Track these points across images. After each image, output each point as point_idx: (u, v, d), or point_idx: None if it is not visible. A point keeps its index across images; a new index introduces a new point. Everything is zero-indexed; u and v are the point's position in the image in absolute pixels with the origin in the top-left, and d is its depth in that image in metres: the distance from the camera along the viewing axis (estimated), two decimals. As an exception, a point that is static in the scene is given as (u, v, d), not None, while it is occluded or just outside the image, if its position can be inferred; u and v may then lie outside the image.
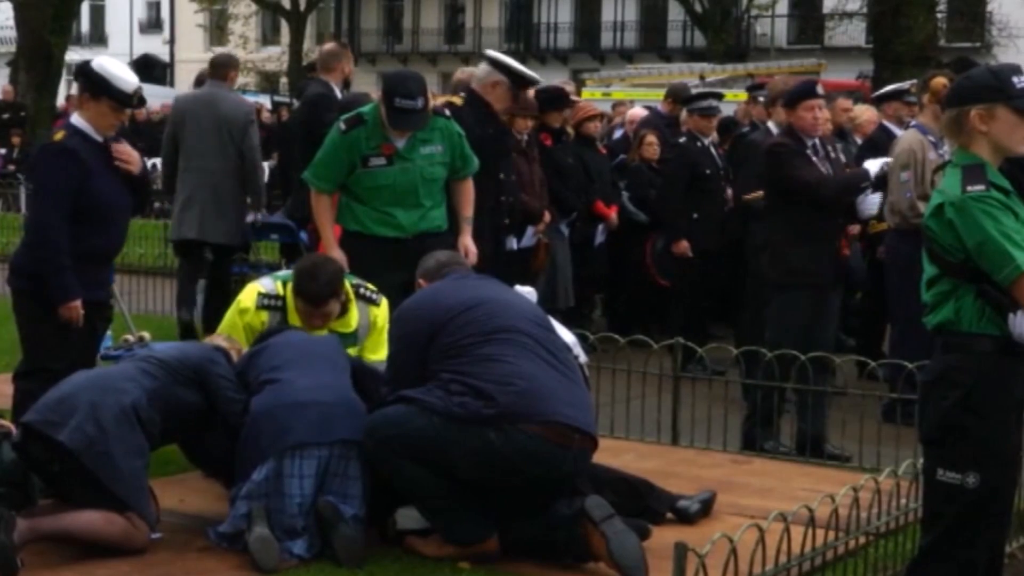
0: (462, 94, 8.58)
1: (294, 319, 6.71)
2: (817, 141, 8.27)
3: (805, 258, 8.12)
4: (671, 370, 8.32)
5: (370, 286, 6.99)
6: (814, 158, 8.20)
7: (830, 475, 7.32)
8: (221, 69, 10.92)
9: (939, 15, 26.30)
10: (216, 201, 10.46)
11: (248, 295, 6.88)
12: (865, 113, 11.20)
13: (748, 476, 7.39)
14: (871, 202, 8.55)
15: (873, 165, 8.57)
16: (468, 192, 8.08)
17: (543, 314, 6.26)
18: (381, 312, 6.91)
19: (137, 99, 6.84)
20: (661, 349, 8.28)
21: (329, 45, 10.87)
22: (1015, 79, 4.60)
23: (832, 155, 8.41)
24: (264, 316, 6.77)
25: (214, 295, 10.46)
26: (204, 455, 6.29)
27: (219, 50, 24.78)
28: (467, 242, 7.94)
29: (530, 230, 10.21)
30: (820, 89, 8.37)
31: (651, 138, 12.13)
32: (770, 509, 5.20)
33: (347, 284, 6.79)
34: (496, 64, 8.55)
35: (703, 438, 8.13)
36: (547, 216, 10.22)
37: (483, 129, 8.36)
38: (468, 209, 8.07)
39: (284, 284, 6.82)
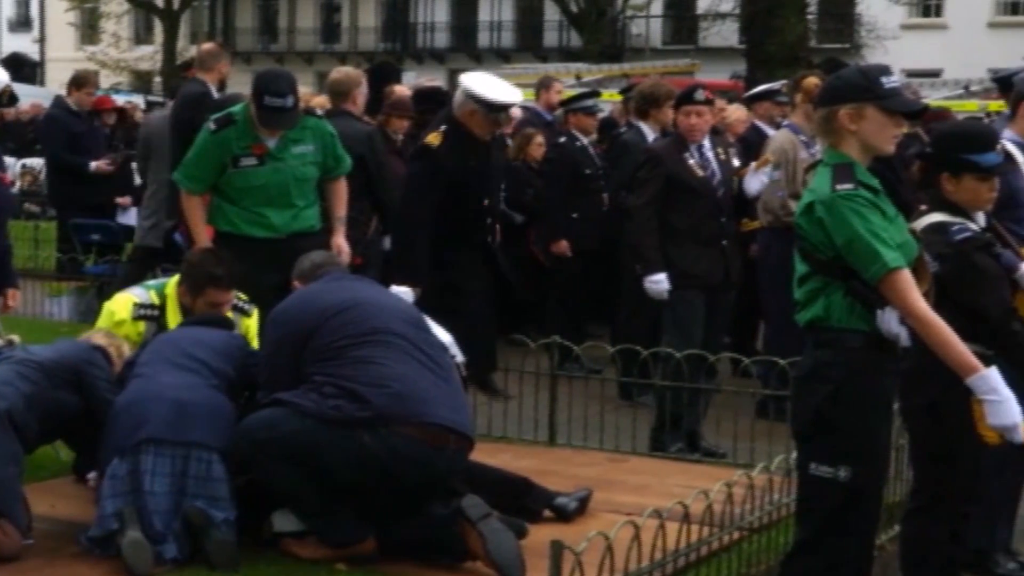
0: (443, 128, 8.35)
1: (173, 324, 6.64)
2: (704, 143, 8.36)
3: (692, 260, 8.20)
4: (548, 369, 8.34)
5: (242, 296, 6.93)
6: (690, 161, 8.28)
7: (705, 471, 7.38)
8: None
9: (810, 17, 26.70)
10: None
11: (122, 306, 6.78)
12: (736, 113, 11.31)
13: (624, 474, 7.43)
14: (758, 180, 8.67)
15: (755, 182, 8.70)
16: (341, 192, 8.05)
17: (419, 314, 6.24)
18: (253, 323, 6.86)
19: (7, 97, 6.71)
20: (538, 348, 8.29)
21: (208, 45, 10.83)
22: (884, 79, 4.68)
23: (722, 156, 8.50)
24: (141, 327, 6.70)
25: None
26: (91, 453, 6.19)
27: (91, 49, 24.42)
28: (340, 242, 7.90)
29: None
30: (702, 94, 8.41)
31: (540, 138, 12.12)
32: (646, 506, 5.23)
33: None
34: (469, 95, 8.34)
35: (580, 437, 8.16)
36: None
37: (466, 161, 8.26)
38: (341, 209, 8.04)
39: (157, 293, 6.75)
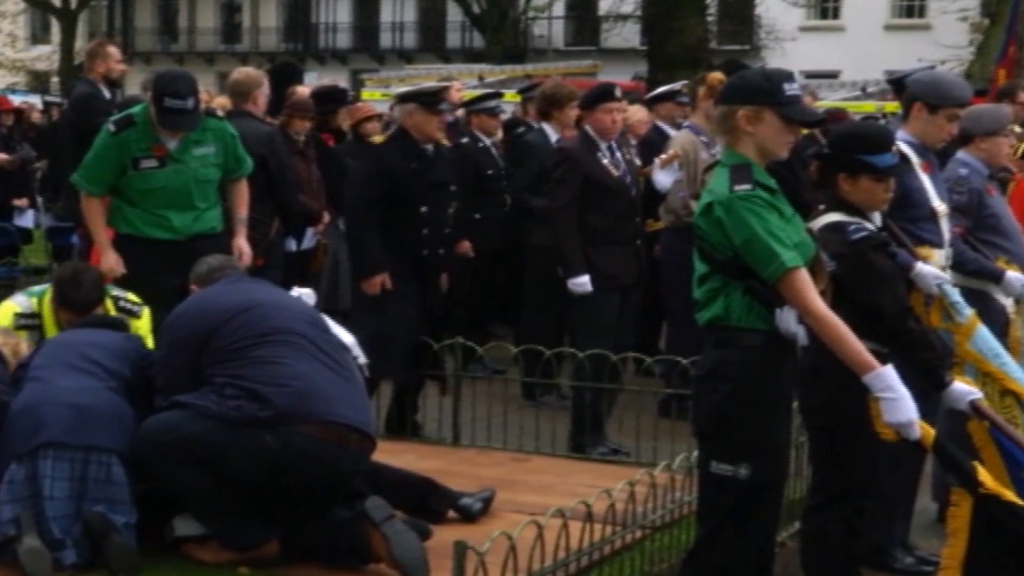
0: (392, 132, 8.52)
1: (51, 334, 6.55)
2: (613, 143, 8.41)
3: (610, 261, 8.23)
4: (452, 370, 8.34)
5: (131, 297, 6.87)
6: (604, 161, 8.33)
7: (608, 471, 7.42)
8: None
9: (709, 18, 26.87)
10: None
11: (2, 316, 6.70)
12: (637, 114, 11.36)
13: (528, 474, 7.45)
14: (667, 175, 8.74)
15: (665, 177, 8.75)
16: (242, 193, 8.02)
17: (319, 315, 6.22)
18: (143, 324, 6.79)
19: None
20: (442, 349, 8.29)
21: (90, 44, 10.72)
22: (786, 85, 4.72)
23: (627, 156, 8.55)
24: (23, 336, 6.59)
25: None
26: None
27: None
28: (241, 243, 7.87)
29: (309, 231, 10.14)
30: (619, 92, 8.51)
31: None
32: (549, 505, 5.24)
33: (106, 297, 6.66)
34: (404, 96, 8.50)
35: (484, 437, 8.17)
36: (326, 217, 10.16)
37: (407, 163, 8.27)
38: (243, 210, 8.01)
39: (39, 300, 6.67)
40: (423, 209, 8.31)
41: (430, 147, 8.39)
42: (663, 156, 9.03)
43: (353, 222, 8.59)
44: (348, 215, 8.78)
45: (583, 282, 8.15)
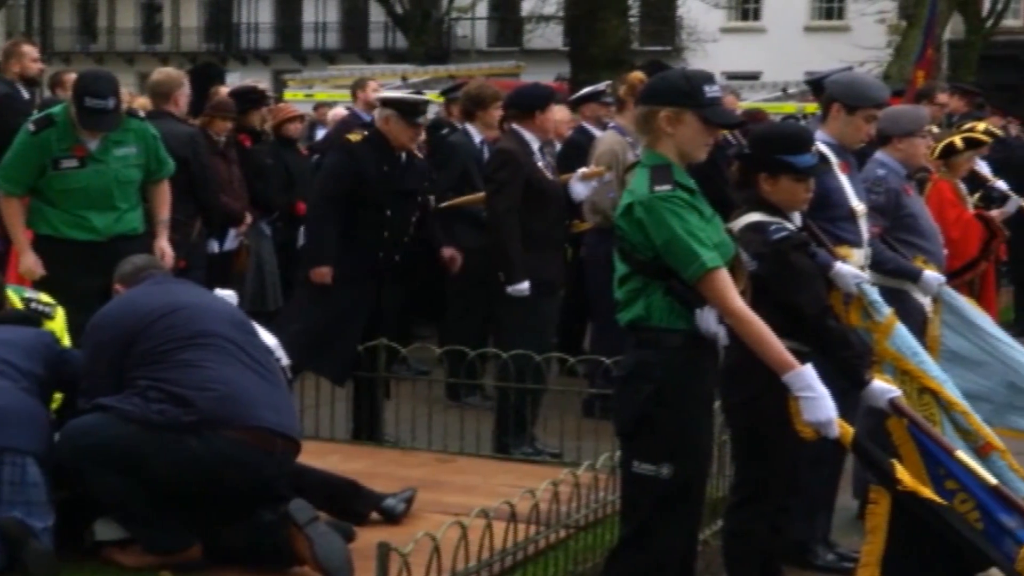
0: (366, 132, 8.56)
1: None
2: (541, 144, 8.45)
3: (545, 264, 8.25)
4: (376, 371, 8.32)
5: (44, 298, 6.76)
6: (539, 163, 8.36)
7: (532, 471, 7.42)
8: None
9: (632, 20, 27.01)
10: None
11: None
12: (559, 114, 11.39)
13: (452, 474, 7.44)
14: (585, 185, 8.77)
15: (582, 190, 8.77)
16: (164, 194, 7.99)
17: (244, 317, 6.19)
18: (57, 324, 6.70)
19: None
20: (366, 350, 8.27)
21: (6, 43, 10.63)
22: (706, 87, 4.74)
23: (549, 158, 8.58)
24: None
25: None
26: None
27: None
28: (163, 245, 7.84)
29: (231, 232, 10.09)
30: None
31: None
32: (473, 506, 5.24)
33: (16, 299, 6.57)
34: (384, 101, 8.55)
35: (408, 438, 8.17)
36: (248, 218, 10.12)
37: (379, 165, 8.31)
38: (164, 211, 7.98)
39: None
40: (388, 212, 8.35)
41: (403, 154, 8.44)
42: (588, 169, 9.01)
43: (314, 213, 8.68)
44: (311, 205, 8.89)
45: (525, 288, 8.15)
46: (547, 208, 8.32)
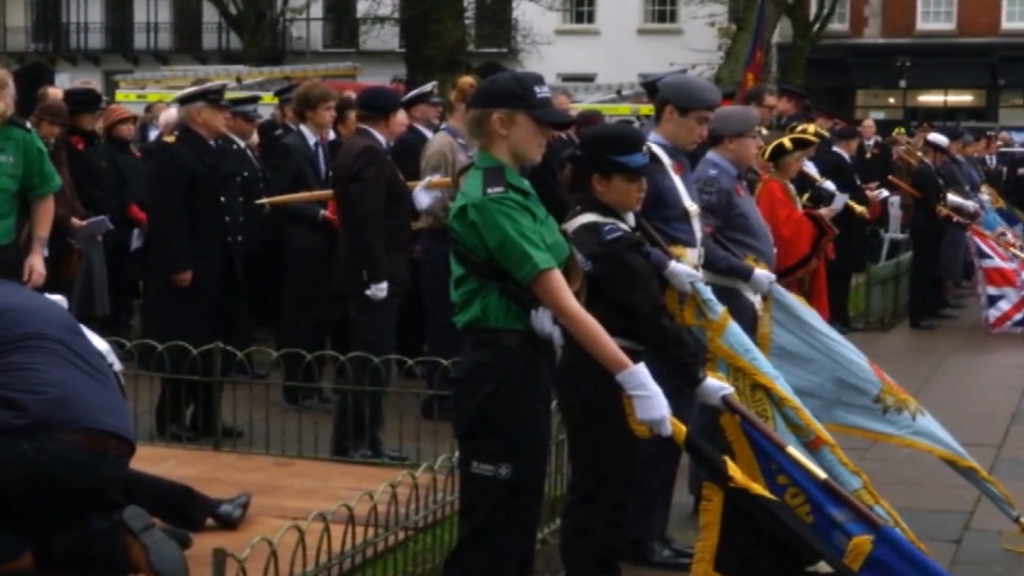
0: (176, 132, 8.92)
1: None
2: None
3: (397, 265, 8.25)
4: (212, 375, 8.23)
5: None
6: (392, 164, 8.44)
7: (370, 473, 7.42)
8: None
9: (467, 21, 27.07)
10: None
11: None
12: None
13: (290, 478, 7.40)
14: (428, 195, 8.81)
15: (425, 199, 8.79)
16: (46, 211, 8.07)
17: (74, 320, 6.08)
18: None
19: None
20: (200, 354, 8.17)
21: None
22: (537, 88, 4.78)
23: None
24: None
25: None
26: None
27: None
28: (35, 262, 7.86)
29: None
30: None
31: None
32: (311, 509, 5.22)
33: None
34: (185, 99, 8.91)
35: (246, 442, 8.09)
36: (75, 222, 9.94)
37: (200, 156, 8.65)
38: (43, 229, 8.02)
39: None
40: (221, 199, 8.76)
41: (216, 142, 8.95)
42: (434, 178, 9.03)
43: (157, 222, 8.97)
44: (151, 215, 9.22)
45: (384, 288, 8.14)
46: (400, 208, 8.34)
